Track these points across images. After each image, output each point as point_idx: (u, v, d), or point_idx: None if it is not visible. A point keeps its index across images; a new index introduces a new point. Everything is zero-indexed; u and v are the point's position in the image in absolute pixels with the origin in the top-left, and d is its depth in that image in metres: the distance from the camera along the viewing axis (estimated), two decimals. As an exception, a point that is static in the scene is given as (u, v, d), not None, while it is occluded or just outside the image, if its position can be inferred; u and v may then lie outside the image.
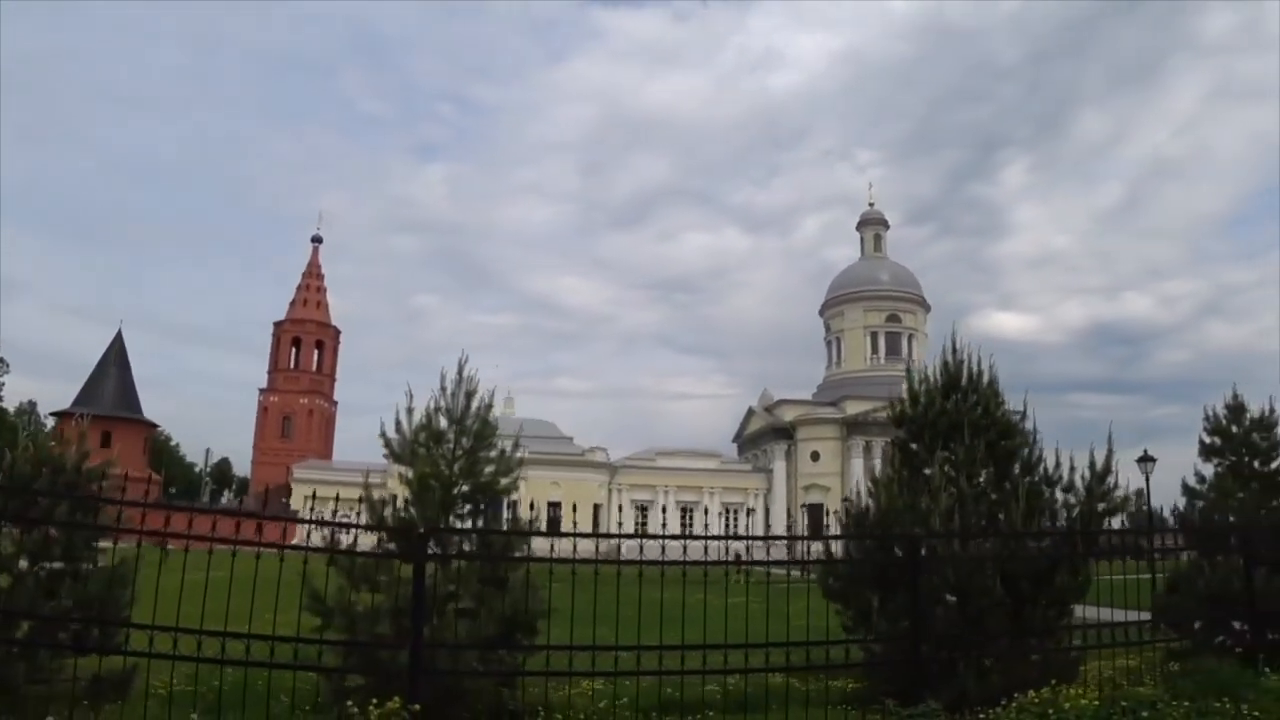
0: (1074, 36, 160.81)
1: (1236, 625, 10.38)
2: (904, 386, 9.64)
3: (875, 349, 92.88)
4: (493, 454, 8.52)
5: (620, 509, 72.08)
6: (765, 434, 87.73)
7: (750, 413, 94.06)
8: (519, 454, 8.85)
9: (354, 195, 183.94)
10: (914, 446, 9.20)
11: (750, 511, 77.20)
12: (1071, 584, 8.00)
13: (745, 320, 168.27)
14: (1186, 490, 11.70)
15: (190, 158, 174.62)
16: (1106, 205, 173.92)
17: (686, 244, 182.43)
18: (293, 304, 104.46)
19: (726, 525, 78.80)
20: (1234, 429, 11.49)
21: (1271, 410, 11.61)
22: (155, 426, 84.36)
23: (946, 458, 8.70)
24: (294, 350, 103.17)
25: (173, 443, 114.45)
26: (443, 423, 8.64)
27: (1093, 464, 8.70)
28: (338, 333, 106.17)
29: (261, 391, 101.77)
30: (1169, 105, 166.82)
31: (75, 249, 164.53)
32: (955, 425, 8.93)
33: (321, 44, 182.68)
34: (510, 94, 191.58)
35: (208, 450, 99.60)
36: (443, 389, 8.81)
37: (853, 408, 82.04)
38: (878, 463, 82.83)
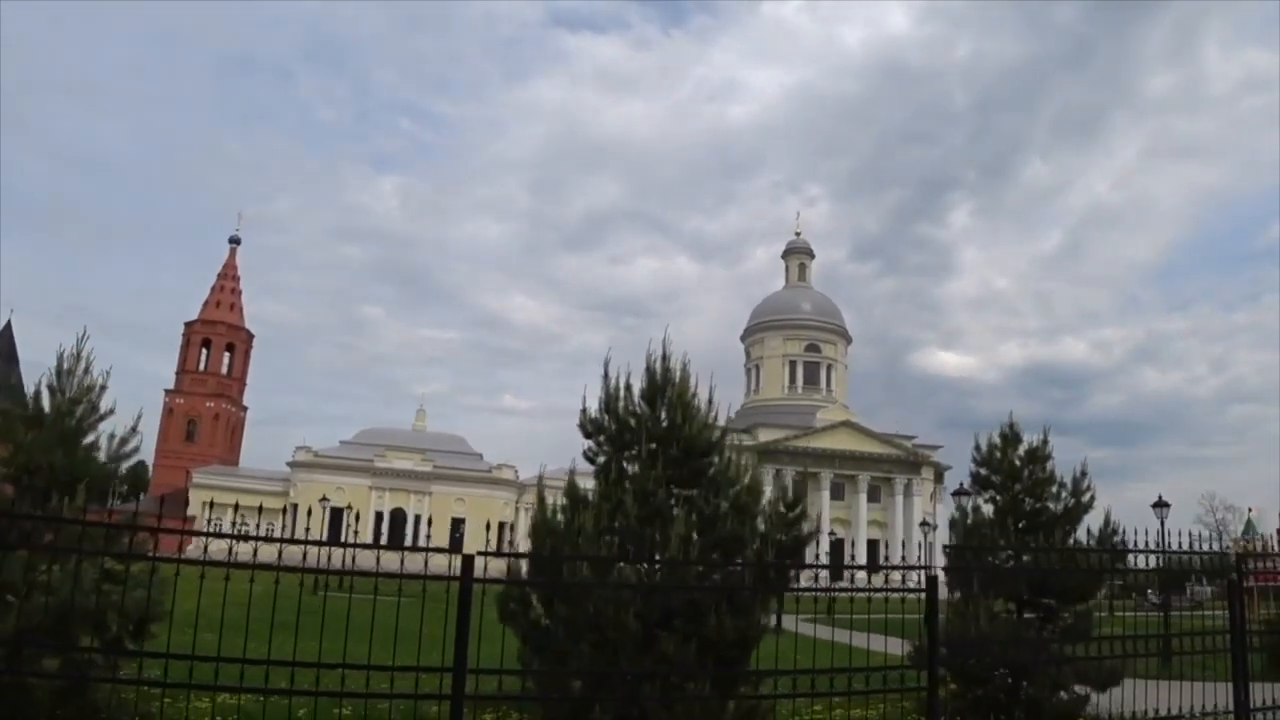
0: (1022, 86, 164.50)
1: (1000, 673, 9.58)
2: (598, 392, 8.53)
3: (793, 378, 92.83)
4: (95, 439, 7.47)
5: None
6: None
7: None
8: (135, 442, 7.79)
9: (304, 202, 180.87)
10: (600, 460, 8.18)
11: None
12: (737, 623, 6.98)
13: (692, 346, 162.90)
14: (953, 527, 10.89)
15: (140, 154, 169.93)
16: (1046, 251, 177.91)
17: (637, 268, 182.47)
18: (205, 304, 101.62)
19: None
20: (1005, 461, 10.66)
21: (1045, 442, 10.81)
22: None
23: (628, 474, 7.70)
24: (204, 352, 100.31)
25: (86, 442, 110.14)
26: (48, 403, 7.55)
27: (783, 492, 7.77)
28: (250, 336, 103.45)
29: (167, 392, 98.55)
30: (1109, 158, 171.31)
31: (8, 240, 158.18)
32: (647, 438, 7.93)
33: (280, 48, 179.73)
34: (469, 110, 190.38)
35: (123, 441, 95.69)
36: (58, 367, 7.69)
37: (765, 435, 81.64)
38: (786, 489, 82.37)
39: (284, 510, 79.37)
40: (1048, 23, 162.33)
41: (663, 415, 8.11)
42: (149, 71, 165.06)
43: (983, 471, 10.78)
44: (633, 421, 8.09)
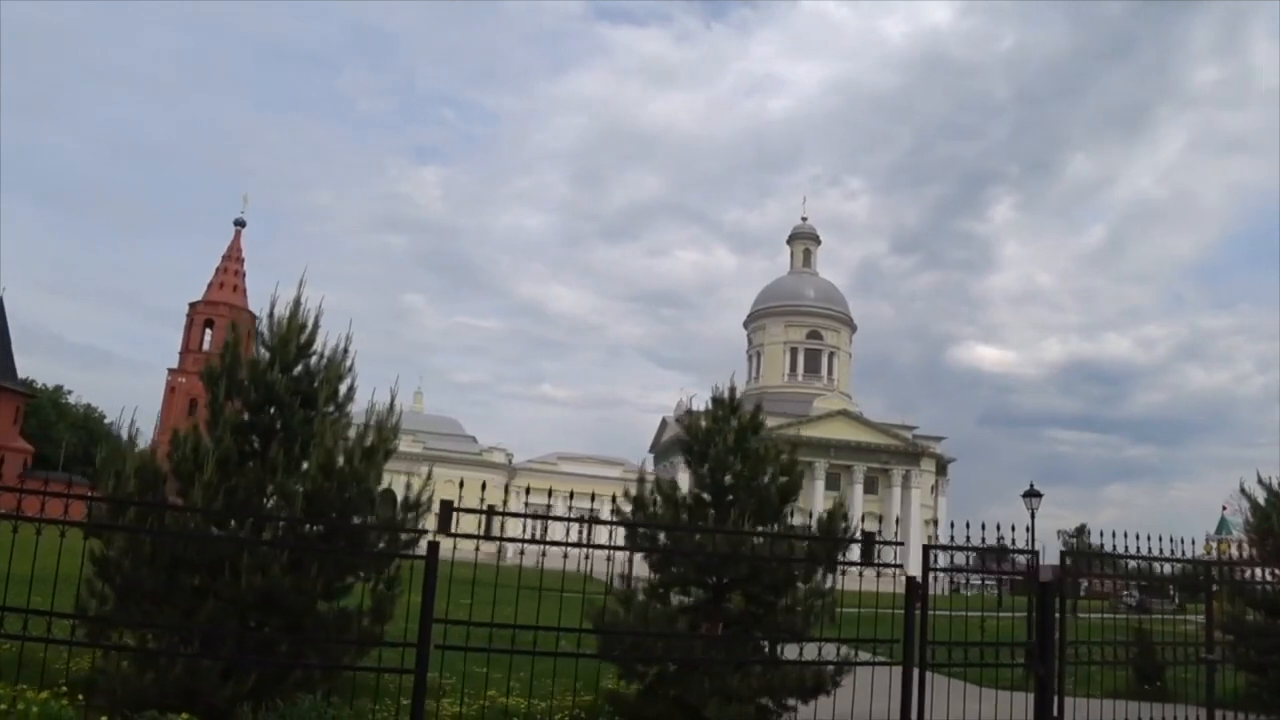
0: (1066, 80, 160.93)
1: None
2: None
3: (794, 365, 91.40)
4: None
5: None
6: (674, 445, 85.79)
7: (664, 423, 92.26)
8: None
9: (347, 192, 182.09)
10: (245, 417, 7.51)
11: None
12: (267, 584, 6.19)
13: (729, 338, 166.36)
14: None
15: (182, 142, 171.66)
16: (1089, 246, 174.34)
17: (676, 260, 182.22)
18: (210, 286, 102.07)
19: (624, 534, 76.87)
20: (702, 432, 9.68)
21: (756, 412, 9.84)
22: (31, 396, 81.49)
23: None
24: (206, 332, 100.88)
25: (106, 420, 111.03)
26: None
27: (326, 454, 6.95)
28: (253, 317, 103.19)
29: (171, 372, 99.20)
30: (1154, 152, 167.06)
31: (56, 225, 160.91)
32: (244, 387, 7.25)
33: (324, 40, 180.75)
34: (511, 102, 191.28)
35: (136, 430, 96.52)
36: None
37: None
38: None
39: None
40: (1092, 15, 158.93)
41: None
42: (192, 62, 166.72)
43: (684, 440, 9.86)
44: (241, 370, 7.48)
